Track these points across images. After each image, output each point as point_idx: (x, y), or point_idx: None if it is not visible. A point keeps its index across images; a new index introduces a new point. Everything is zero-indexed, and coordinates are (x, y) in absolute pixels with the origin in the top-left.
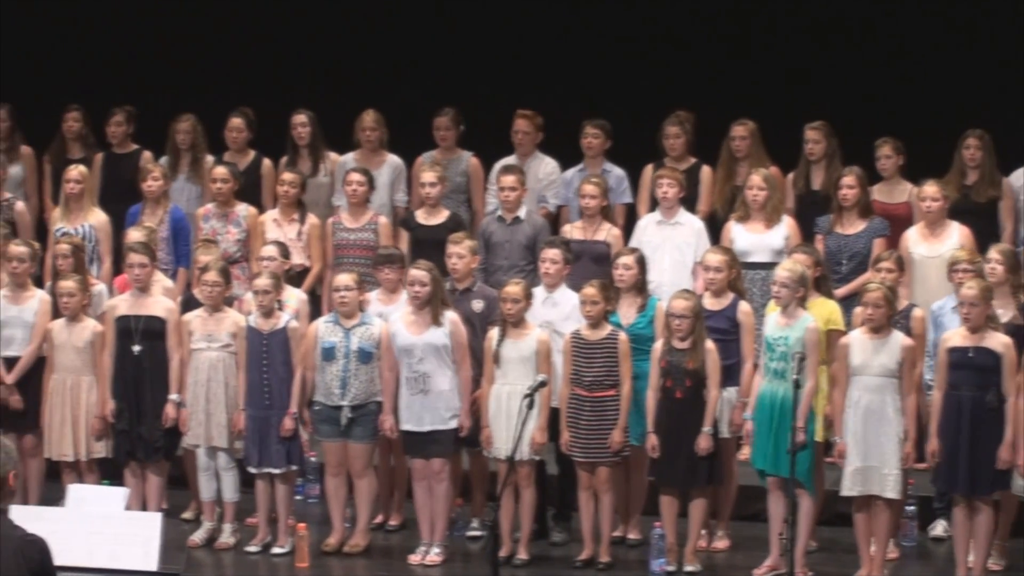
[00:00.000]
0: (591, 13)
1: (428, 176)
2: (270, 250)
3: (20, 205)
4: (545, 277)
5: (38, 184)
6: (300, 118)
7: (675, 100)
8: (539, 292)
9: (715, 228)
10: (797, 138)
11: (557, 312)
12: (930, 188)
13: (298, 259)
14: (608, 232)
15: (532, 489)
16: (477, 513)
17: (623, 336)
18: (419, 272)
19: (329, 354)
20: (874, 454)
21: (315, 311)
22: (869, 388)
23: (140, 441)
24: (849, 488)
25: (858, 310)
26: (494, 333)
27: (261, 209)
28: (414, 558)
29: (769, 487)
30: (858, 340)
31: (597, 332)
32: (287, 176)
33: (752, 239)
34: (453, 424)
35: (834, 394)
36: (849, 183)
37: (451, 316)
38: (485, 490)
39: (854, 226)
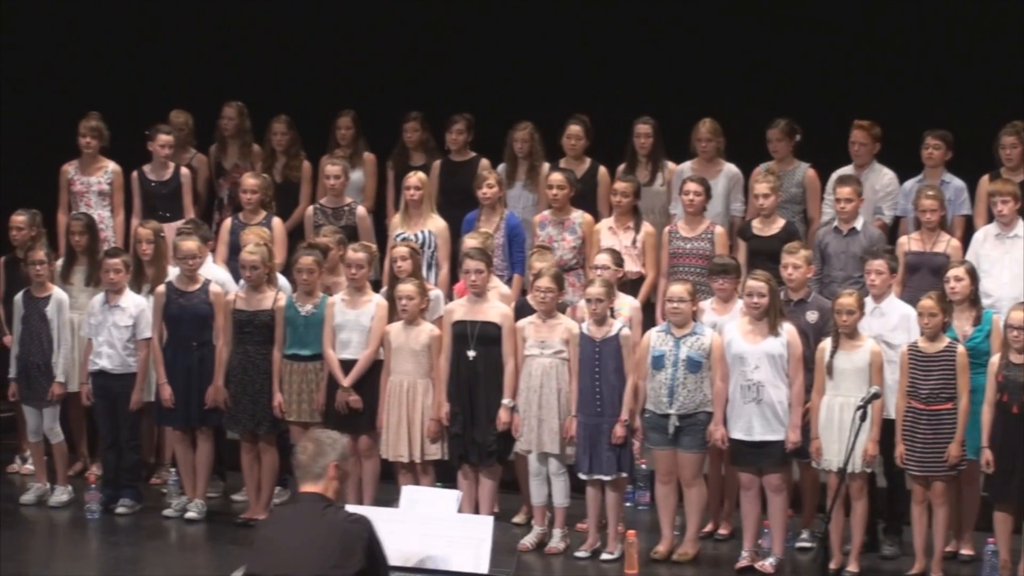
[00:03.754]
0: (930, 23)
1: (761, 187)
2: (603, 258)
3: (361, 210)
4: (871, 288)
5: (380, 190)
6: (644, 127)
7: (1013, 110)
8: (867, 303)
9: None
10: None
11: (884, 322)
12: None
13: (632, 267)
14: (948, 244)
15: (864, 501)
16: (807, 524)
17: (961, 349)
18: (757, 283)
19: (658, 362)
20: None
21: (649, 319)
22: None
23: (473, 445)
24: None
25: None
26: (826, 344)
27: (597, 217)
28: (739, 564)
29: None
30: None
31: (935, 344)
32: (621, 185)
33: None
34: (783, 436)
35: None
36: None
37: (788, 327)
38: (815, 501)
39: None
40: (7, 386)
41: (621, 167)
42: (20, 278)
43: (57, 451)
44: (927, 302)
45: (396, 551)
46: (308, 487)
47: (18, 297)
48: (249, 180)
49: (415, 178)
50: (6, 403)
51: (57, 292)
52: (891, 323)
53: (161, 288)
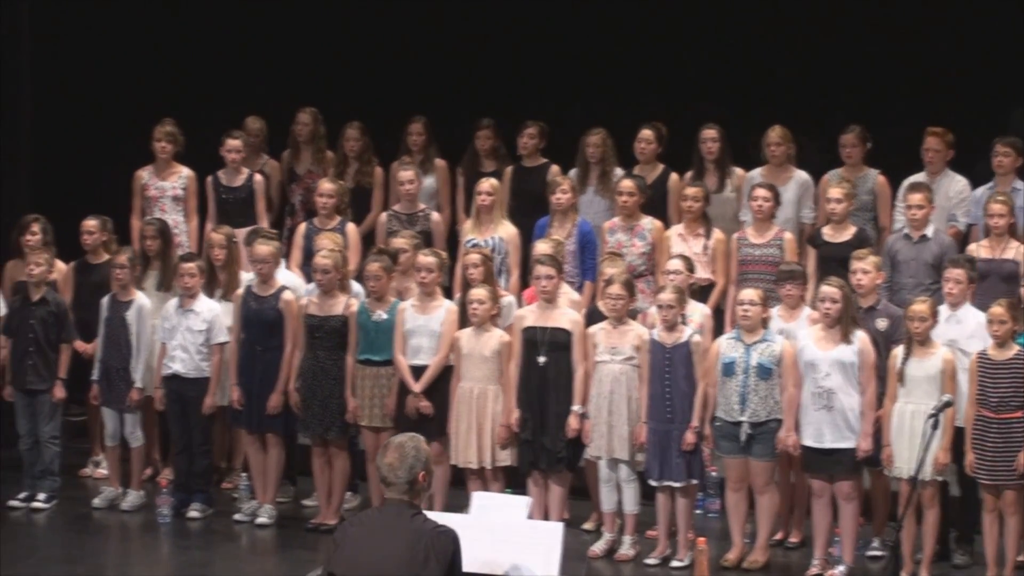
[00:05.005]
0: (1000, 32)
1: (835, 192)
2: (676, 264)
3: (436, 216)
4: (948, 296)
5: (451, 196)
6: (710, 133)
7: None
8: (943, 310)
9: None
10: None
11: (961, 330)
12: None
13: (703, 274)
14: (1017, 250)
15: (936, 510)
16: (878, 532)
17: None
18: (830, 289)
19: (729, 369)
20: None
21: (719, 326)
22: None
23: (543, 451)
24: None
25: None
26: (899, 351)
27: (668, 222)
28: (809, 572)
29: None
30: None
31: (1004, 352)
32: (690, 191)
33: None
34: (854, 443)
35: None
36: None
37: (861, 335)
38: (886, 509)
39: None
40: (82, 389)
41: (688, 173)
42: (89, 282)
43: (135, 455)
44: (997, 309)
45: (466, 557)
46: (396, 495)
47: (104, 300)
48: (326, 185)
49: (487, 184)
50: (79, 407)
51: (140, 298)
52: (968, 330)
53: (240, 291)
